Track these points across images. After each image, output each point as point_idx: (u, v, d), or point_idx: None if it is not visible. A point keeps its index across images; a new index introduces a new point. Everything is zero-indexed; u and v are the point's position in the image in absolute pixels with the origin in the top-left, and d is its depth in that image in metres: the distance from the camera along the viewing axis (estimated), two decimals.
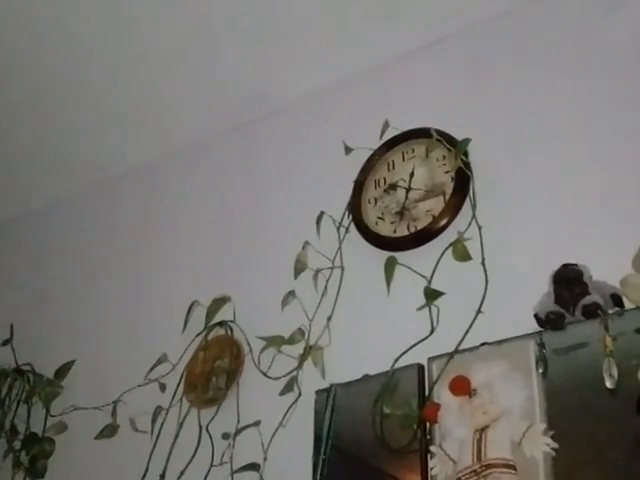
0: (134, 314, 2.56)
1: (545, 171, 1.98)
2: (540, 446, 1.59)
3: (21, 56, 2.46)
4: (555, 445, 1.58)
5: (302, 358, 2.07)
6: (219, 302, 2.28)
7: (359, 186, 2.22)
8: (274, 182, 2.46)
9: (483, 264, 1.90)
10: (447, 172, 2.10)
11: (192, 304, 2.31)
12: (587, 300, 1.66)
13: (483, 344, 1.78)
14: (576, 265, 1.71)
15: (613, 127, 1.93)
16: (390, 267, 2.02)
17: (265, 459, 2.01)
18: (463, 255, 1.94)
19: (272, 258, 2.31)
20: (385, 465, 1.83)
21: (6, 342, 2.65)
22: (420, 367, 1.85)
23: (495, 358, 1.71)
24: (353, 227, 2.19)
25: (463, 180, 2.05)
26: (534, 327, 1.72)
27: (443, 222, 2.04)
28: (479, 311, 1.85)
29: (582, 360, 1.64)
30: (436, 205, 2.08)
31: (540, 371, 1.66)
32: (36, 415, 2.52)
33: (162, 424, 2.23)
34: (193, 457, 2.13)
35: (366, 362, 1.94)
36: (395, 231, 2.12)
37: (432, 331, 1.90)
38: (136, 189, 2.80)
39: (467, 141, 2.07)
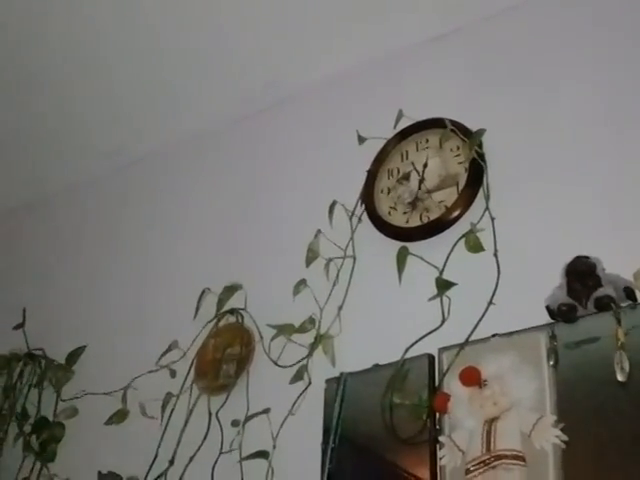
0: (146, 301, 2.56)
1: (559, 163, 1.97)
2: (550, 438, 1.58)
3: (34, 43, 2.45)
4: (565, 437, 1.57)
5: (312, 347, 2.07)
6: (230, 290, 2.28)
7: (372, 176, 2.22)
8: (287, 171, 2.45)
9: (495, 255, 1.90)
10: (461, 163, 2.09)
11: (203, 291, 2.32)
12: (600, 293, 1.65)
13: (494, 335, 1.77)
14: (589, 257, 1.70)
15: (629, 117, 1.92)
16: (402, 257, 2.01)
17: (274, 447, 2.01)
18: (475, 246, 1.93)
19: (284, 246, 2.31)
20: (394, 455, 1.83)
21: (18, 327, 2.66)
22: (431, 357, 1.85)
23: (506, 349, 1.71)
24: (365, 217, 2.19)
25: (477, 171, 2.04)
26: (546, 319, 1.71)
27: (456, 213, 2.03)
28: (491, 302, 1.84)
29: (594, 353, 1.63)
30: (449, 196, 2.07)
31: (551, 363, 1.66)
32: (47, 400, 2.54)
33: (172, 410, 2.24)
34: (202, 444, 2.14)
35: (376, 352, 1.94)
36: (408, 221, 2.11)
37: (443, 321, 1.89)
38: (147, 176, 2.79)
39: (482, 132, 2.06)
